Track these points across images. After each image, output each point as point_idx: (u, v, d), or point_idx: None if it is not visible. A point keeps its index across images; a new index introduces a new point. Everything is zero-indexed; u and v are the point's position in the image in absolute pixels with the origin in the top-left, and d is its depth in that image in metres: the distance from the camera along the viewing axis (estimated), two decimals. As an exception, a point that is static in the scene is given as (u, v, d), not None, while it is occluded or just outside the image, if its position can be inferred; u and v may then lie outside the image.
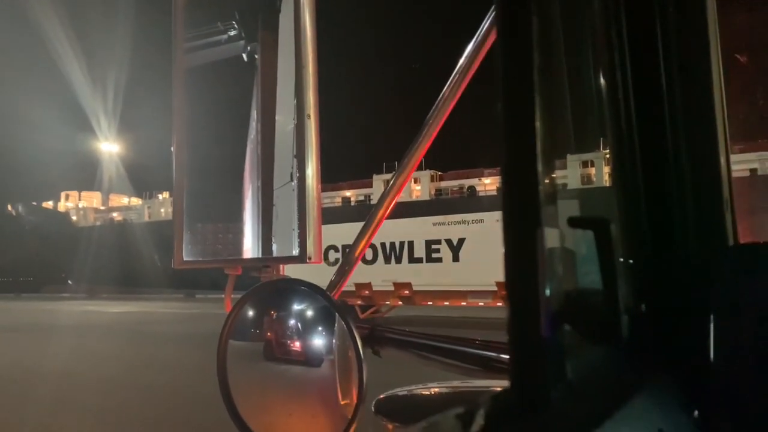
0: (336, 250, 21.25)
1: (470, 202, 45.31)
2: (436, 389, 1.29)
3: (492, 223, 18.62)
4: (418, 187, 68.50)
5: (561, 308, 0.55)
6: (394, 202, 1.35)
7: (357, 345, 1.00)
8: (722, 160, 0.59)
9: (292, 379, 1.10)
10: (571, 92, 0.62)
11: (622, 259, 0.60)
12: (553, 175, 0.57)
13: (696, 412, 0.55)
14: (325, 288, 1.15)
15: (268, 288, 1.18)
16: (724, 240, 0.59)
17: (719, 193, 0.59)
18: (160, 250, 55.84)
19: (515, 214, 0.54)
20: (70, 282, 65.61)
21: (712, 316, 0.56)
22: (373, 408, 1.16)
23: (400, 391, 1.28)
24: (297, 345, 1.09)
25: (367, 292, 19.06)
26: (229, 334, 1.11)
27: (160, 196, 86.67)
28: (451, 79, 1.21)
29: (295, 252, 1.14)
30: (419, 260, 19.76)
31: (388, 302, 20.56)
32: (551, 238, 0.54)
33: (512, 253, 0.53)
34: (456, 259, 19.34)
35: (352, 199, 70.24)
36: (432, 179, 67.65)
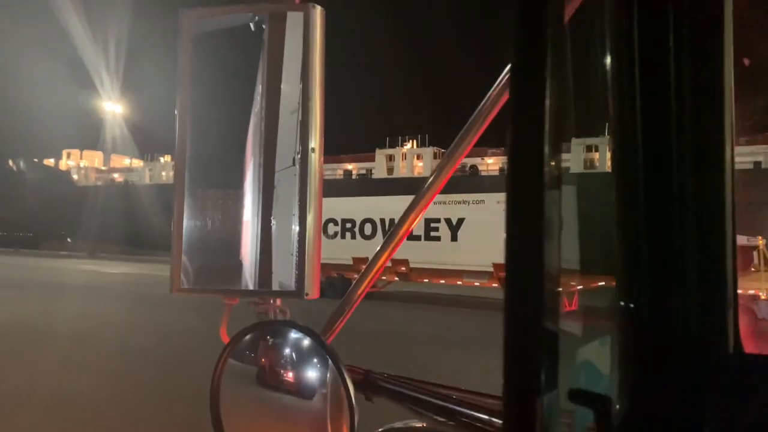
0: (335, 223, 21.30)
1: (472, 181, 45.20)
2: (430, 424, 1.27)
3: (492, 204, 18.58)
4: (420, 164, 68.30)
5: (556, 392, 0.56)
6: (421, 215, 1.30)
7: (349, 392, 1.01)
8: (729, 256, 0.57)
9: (283, 408, 1.11)
10: (581, 78, 0.61)
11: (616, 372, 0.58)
12: (561, 161, 0.57)
13: None
14: (320, 330, 1.17)
15: (266, 328, 1.20)
16: (725, 347, 0.56)
17: (723, 296, 0.56)
18: (160, 212, 55.91)
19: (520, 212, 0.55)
20: (69, 240, 65.82)
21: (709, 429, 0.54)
22: None
23: (393, 427, 1.28)
24: (290, 376, 1.10)
25: (364, 266, 19.10)
26: (225, 364, 1.13)
27: (162, 159, 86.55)
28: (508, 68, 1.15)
29: (293, 285, 1.15)
30: (418, 238, 19.79)
31: (384, 278, 20.64)
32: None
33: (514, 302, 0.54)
34: (454, 238, 19.37)
35: (353, 172, 70.09)
36: (435, 156, 67.42)
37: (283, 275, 1.18)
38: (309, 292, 1.13)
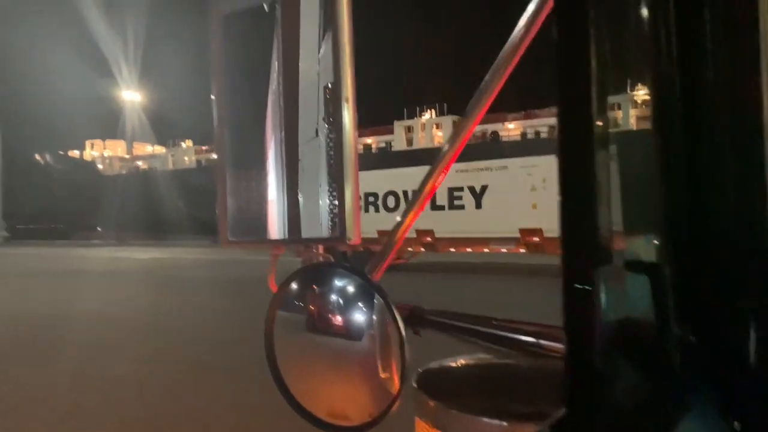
0: (358, 198, 21.31)
1: (494, 147, 44.79)
2: (477, 363, 1.31)
3: (516, 169, 18.47)
4: (440, 133, 67.84)
5: (616, 328, 0.58)
6: (443, 175, 1.33)
7: (399, 326, 1.03)
8: None
9: (334, 351, 1.14)
10: (622, 33, 0.61)
11: (668, 279, 0.59)
12: (608, 118, 0.58)
13: (736, 423, 0.55)
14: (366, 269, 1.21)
15: (313, 269, 1.23)
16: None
17: (764, 188, 0.55)
18: (185, 197, 56.64)
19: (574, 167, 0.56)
20: (99, 229, 67.09)
21: (754, 324, 0.54)
22: (415, 383, 1.18)
23: (443, 363, 1.31)
24: (338, 319, 1.13)
25: (389, 239, 19.16)
26: (276, 311, 1.17)
27: (183, 144, 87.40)
28: (523, 19, 1.15)
29: (328, 230, 1.17)
30: (441, 208, 19.75)
31: (410, 249, 20.70)
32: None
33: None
34: (479, 206, 19.31)
35: (373, 146, 69.87)
36: (454, 124, 66.79)
37: (331, 228, 1.21)
38: (351, 237, 1.14)
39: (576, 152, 0.58)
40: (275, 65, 1.24)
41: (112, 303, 14.86)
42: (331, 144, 1.17)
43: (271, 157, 1.24)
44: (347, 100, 1.14)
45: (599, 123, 0.57)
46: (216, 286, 17.90)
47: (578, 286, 0.57)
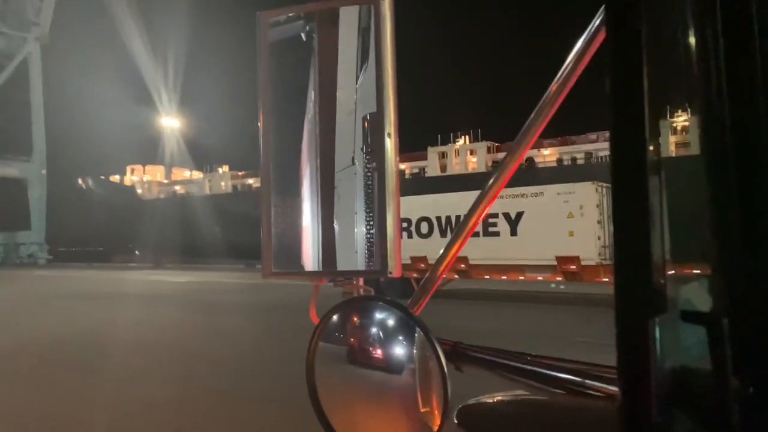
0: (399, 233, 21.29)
1: (529, 174, 44.45)
2: (521, 398, 1.28)
3: (552, 196, 18.25)
4: (474, 159, 67.71)
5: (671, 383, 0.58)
6: (487, 210, 1.32)
7: (441, 362, 1.03)
8: None
9: (374, 384, 1.15)
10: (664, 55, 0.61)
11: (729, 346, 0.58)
12: (660, 145, 0.58)
13: None
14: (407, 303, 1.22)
15: (355, 303, 1.24)
16: None
17: None
18: (221, 222, 57.54)
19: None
20: (137, 252, 68.44)
21: None
22: (455, 419, 1.17)
23: (483, 399, 1.28)
24: (378, 352, 1.14)
25: (422, 265, 19.03)
26: (318, 343, 1.18)
27: (220, 170, 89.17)
28: (571, 56, 1.14)
29: (366, 261, 1.19)
30: (476, 234, 19.54)
31: (444, 276, 20.49)
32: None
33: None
34: (514, 233, 19.07)
35: (406, 171, 70.02)
36: (489, 151, 66.64)
37: (367, 257, 1.21)
38: (392, 271, 1.16)
39: (630, 188, 0.58)
40: (311, 94, 1.25)
41: (147, 326, 15.06)
42: (368, 173, 1.18)
43: (310, 188, 1.26)
44: (390, 136, 1.16)
45: (652, 148, 0.57)
46: (249, 310, 18.01)
47: (634, 337, 0.57)
